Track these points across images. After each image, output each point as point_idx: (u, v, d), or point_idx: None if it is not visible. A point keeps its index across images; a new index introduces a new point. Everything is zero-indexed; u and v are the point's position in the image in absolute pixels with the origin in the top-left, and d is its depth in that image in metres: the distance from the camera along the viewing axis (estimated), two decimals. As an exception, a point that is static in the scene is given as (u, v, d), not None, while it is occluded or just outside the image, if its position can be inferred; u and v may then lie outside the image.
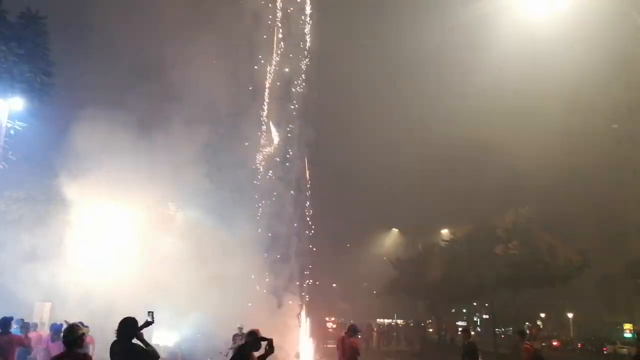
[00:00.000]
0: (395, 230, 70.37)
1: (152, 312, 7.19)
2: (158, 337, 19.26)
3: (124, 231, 20.08)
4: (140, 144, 19.76)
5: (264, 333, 7.16)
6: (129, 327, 6.82)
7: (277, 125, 27.71)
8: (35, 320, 16.21)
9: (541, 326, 55.85)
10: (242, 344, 6.95)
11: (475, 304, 56.36)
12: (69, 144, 18.37)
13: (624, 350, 38.37)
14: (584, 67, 49.26)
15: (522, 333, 14.18)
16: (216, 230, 22.06)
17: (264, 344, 7.05)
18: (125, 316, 7.03)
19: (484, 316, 68.02)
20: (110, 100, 19.75)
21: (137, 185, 19.52)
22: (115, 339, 6.87)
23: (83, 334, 6.20)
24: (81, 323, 13.25)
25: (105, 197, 19.62)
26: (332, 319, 52.75)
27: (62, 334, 6.41)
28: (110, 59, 23.19)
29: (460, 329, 28.74)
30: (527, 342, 12.84)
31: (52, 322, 15.35)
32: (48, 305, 18.12)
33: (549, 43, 41.13)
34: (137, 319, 7.02)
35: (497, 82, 52.46)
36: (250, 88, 26.93)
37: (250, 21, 26.23)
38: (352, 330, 12.52)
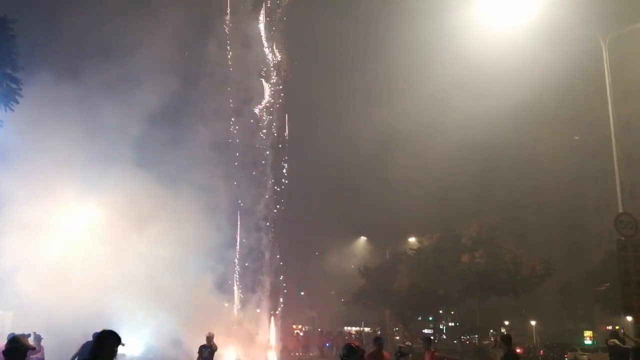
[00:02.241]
0: (363, 238, 70.79)
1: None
2: (123, 346, 18.87)
3: (86, 236, 19.73)
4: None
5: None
6: (111, 345, 5.08)
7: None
8: (-4, 329, 15.85)
9: (505, 333, 56.72)
10: None
11: (441, 311, 57.02)
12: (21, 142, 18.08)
13: (584, 357, 39.30)
14: (547, 80, 50.75)
15: (427, 339, 13.90)
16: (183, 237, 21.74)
17: None
18: (104, 329, 5.18)
19: (450, 324, 68.80)
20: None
21: (94, 186, 19.31)
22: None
23: (27, 348, 5.72)
24: (39, 336, 13.10)
25: (64, 200, 19.22)
26: (299, 326, 52.65)
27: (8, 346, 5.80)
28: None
29: (499, 335, 22.77)
30: (435, 350, 12.79)
31: (11, 332, 14.95)
32: (10, 314, 17.69)
33: (513, 58, 42.16)
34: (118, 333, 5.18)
35: (464, 92, 53.57)
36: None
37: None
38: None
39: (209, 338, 15.39)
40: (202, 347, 15.34)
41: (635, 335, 15.04)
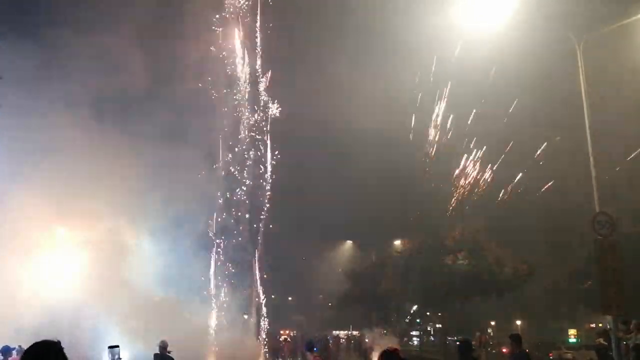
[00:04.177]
0: (349, 242, 70.84)
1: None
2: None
3: (63, 246, 19.61)
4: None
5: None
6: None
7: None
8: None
9: (491, 334, 57.06)
10: None
11: (428, 313, 57.26)
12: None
13: (569, 355, 39.68)
14: (527, 82, 51.25)
15: (309, 343, 13.60)
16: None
17: None
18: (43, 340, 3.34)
19: (437, 325, 69.01)
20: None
21: (76, 200, 19.17)
22: None
23: None
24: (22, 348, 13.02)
25: (42, 212, 19.06)
26: (287, 331, 52.59)
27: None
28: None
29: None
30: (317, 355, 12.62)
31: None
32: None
33: (493, 57, 42.49)
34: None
35: (438, 94, 53.81)
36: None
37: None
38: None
39: (163, 347, 13.53)
40: (156, 355, 13.58)
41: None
